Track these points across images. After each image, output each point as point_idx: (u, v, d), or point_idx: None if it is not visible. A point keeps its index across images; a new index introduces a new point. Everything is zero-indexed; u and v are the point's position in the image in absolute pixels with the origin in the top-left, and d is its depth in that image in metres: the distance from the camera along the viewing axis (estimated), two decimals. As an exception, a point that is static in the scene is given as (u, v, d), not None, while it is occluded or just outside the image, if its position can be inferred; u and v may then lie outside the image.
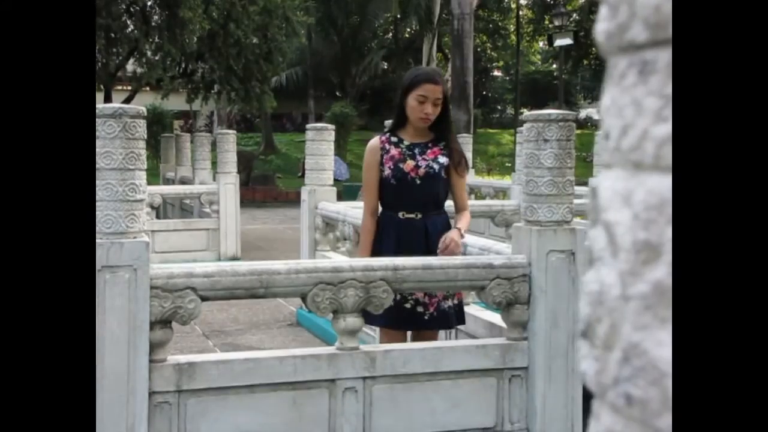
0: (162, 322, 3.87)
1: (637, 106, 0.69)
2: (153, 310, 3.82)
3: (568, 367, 4.37)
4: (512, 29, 41.23)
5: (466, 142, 10.76)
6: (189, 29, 15.08)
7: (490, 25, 43.73)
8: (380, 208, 4.55)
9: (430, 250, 4.35)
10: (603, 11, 0.73)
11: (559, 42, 27.93)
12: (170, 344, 4.05)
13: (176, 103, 22.79)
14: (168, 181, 16.03)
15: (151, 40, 16.07)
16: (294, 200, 17.53)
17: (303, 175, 8.72)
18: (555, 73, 40.80)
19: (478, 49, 38.67)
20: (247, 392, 4.02)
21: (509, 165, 25.54)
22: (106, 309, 3.73)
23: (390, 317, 4.29)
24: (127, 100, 16.72)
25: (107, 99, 16.47)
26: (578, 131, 4.98)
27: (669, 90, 0.67)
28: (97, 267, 3.72)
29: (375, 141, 4.60)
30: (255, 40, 16.46)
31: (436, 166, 4.43)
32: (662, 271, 0.66)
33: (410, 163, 4.43)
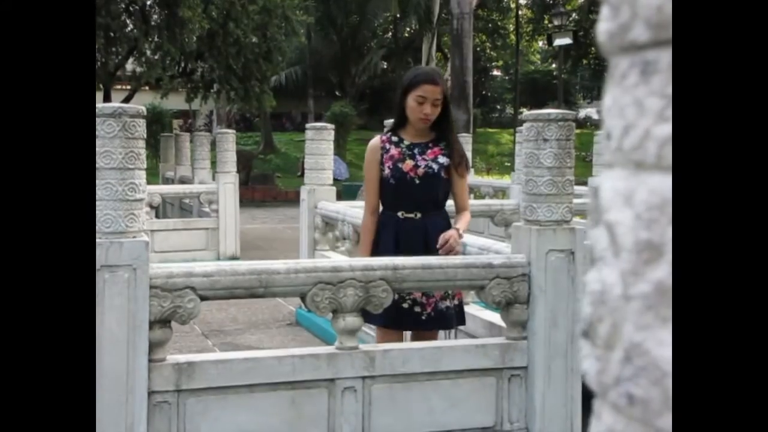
0: (161, 322, 3.87)
1: (638, 106, 0.69)
2: (152, 309, 3.82)
3: (568, 366, 4.37)
4: (511, 29, 41.25)
5: (465, 142, 10.74)
6: (188, 28, 15.07)
7: (490, 25, 43.72)
8: (381, 208, 4.55)
9: (429, 249, 4.34)
10: (604, 11, 0.73)
11: (559, 41, 27.95)
12: (169, 344, 4.05)
13: (175, 102, 22.77)
14: (167, 181, 16.03)
15: (150, 39, 16.06)
16: (293, 200, 17.54)
17: (302, 175, 8.72)
18: (554, 73, 40.81)
19: (478, 49, 38.66)
20: (246, 392, 4.02)
21: (508, 164, 25.57)
22: (105, 308, 3.73)
23: (387, 317, 4.28)
24: (127, 100, 16.71)
25: (106, 98, 16.47)
26: (577, 131, 4.99)
27: (671, 90, 0.67)
28: (97, 266, 3.72)
29: (375, 140, 4.59)
30: (254, 40, 16.45)
31: (435, 166, 4.42)
32: (664, 271, 0.66)
33: (409, 162, 4.42)
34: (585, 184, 10.95)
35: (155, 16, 16.84)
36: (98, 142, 3.80)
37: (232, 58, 16.02)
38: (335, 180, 8.58)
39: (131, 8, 16.59)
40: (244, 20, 15.70)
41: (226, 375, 3.98)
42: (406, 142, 4.47)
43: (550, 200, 4.34)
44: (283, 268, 4.04)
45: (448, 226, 4.46)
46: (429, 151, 4.45)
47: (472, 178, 13.07)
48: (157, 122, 23.73)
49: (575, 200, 4.62)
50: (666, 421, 0.65)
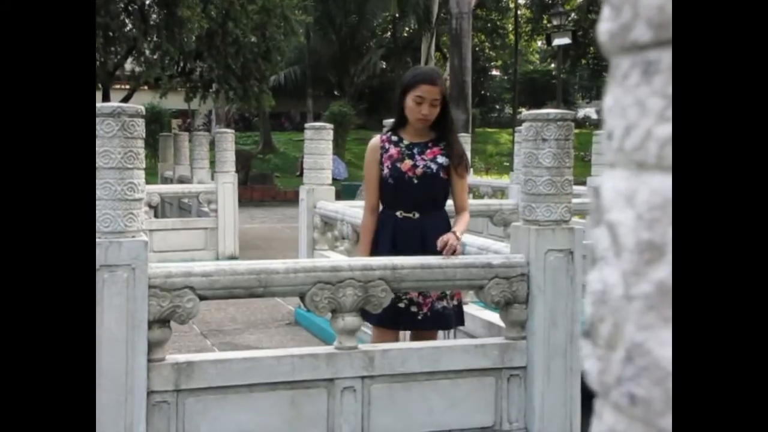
0: (160, 322, 3.87)
1: (640, 107, 0.69)
2: (151, 309, 3.82)
3: (567, 366, 4.37)
4: (510, 29, 41.26)
5: (464, 142, 10.72)
6: (187, 28, 15.07)
7: (489, 25, 43.72)
8: (381, 207, 4.54)
9: (427, 250, 4.33)
10: (606, 11, 0.72)
11: (558, 41, 27.94)
12: (168, 343, 4.05)
13: (174, 102, 22.76)
14: (166, 180, 16.02)
15: (149, 38, 16.05)
16: (292, 199, 17.56)
17: (301, 174, 8.72)
18: (553, 73, 40.81)
19: (477, 49, 38.66)
20: (245, 391, 4.02)
21: (507, 164, 25.57)
22: (104, 308, 3.73)
23: (383, 316, 4.26)
24: (126, 99, 16.72)
25: (105, 98, 16.47)
26: (576, 131, 4.99)
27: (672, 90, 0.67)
28: (96, 266, 3.72)
29: (375, 140, 4.59)
30: (253, 39, 16.45)
31: (434, 166, 4.41)
32: (666, 271, 0.66)
33: (408, 162, 4.41)
34: (584, 183, 10.96)
35: (154, 16, 16.84)
36: (97, 141, 3.80)
37: (231, 57, 16.01)
38: (334, 180, 8.58)
39: (130, 8, 16.59)
40: (243, 20, 15.70)
41: (226, 375, 3.98)
42: (406, 142, 4.47)
43: (549, 200, 4.34)
44: (282, 268, 4.04)
45: (448, 227, 4.45)
46: (428, 150, 4.44)
47: (471, 177, 13.08)
48: (155, 122, 23.76)
49: (574, 200, 4.62)
50: (668, 421, 0.65)
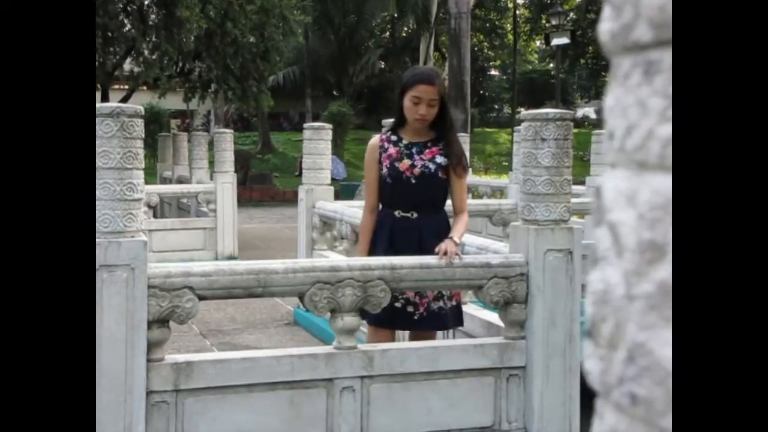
0: (159, 322, 3.87)
1: (641, 106, 0.69)
2: (150, 309, 3.82)
3: (566, 365, 4.37)
4: (509, 28, 41.25)
5: (463, 141, 10.74)
6: (186, 28, 15.06)
7: (487, 24, 43.73)
8: (380, 206, 4.54)
9: (424, 250, 4.32)
10: (607, 11, 0.72)
11: (556, 41, 27.91)
12: (168, 343, 4.05)
13: (173, 102, 22.75)
14: (165, 181, 16.02)
15: (148, 39, 16.04)
16: (291, 199, 17.56)
17: (300, 174, 8.73)
18: (552, 72, 40.80)
19: (475, 48, 38.66)
20: (244, 391, 4.02)
21: (506, 164, 25.58)
22: (103, 308, 3.73)
23: (379, 315, 4.25)
24: (124, 99, 16.70)
25: (104, 98, 16.46)
26: (575, 130, 4.99)
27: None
28: (95, 266, 3.72)
29: (375, 139, 4.59)
30: (252, 39, 16.44)
31: (432, 166, 4.40)
32: (667, 271, 0.66)
33: (406, 162, 4.41)
34: (582, 183, 10.96)
35: (153, 16, 16.83)
36: (96, 141, 3.80)
37: (229, 57, 16.01)
38: (333, 180, 8.58)
39: (129, 8, 16.58)
40: (241, 20, 15.69)
41: (225, 375, 3.98)
42: (405, 142, 4.46)
43: (548, 200, 4.34)
44: (281, 268, 4.04)
45: (447, 227, 4.45)
46: (427, 150, 4.43)
47: (470, 177, 13.08)
48: (154, 122, 23.75)
49: (573, 200, 4.62)
50: (669, 421, 0.65)
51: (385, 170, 4.43)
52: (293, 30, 17.85)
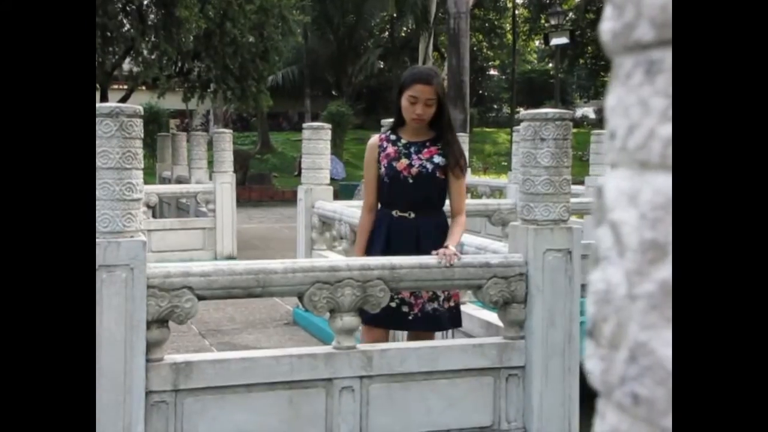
0: (159, 322, 3.87)
1: (643, 106, 0.69)
2: (150, 309, 3.82)
3: (565, 365, 4.37)
4: (508, 28, 41.26)
5: (462, 141, 10.75)
6: (185, 28, 15.06)
7: (486, 24, 43.75)
8: (379, 205, 4.53)
9: (421, 250, 4.31)
10: (608, 11, 0.72)
11: (555, 41, 27.92)
12: (167, 343, 4.05)
13: (172, 102, 22.74)
14: (164, 181, 16.01)
15: (147, 39, 16.04)
16: (290, 199, 17.55)
17: (299, 174, 8.73)
18: (551, 72, 40.81)
19: (474, 48, 38.68)
20: (244, 391, 4.01)
21: (505, 164, 25.60)
22: (103, 308, 3.72)
23: (373, 314, 4.24)
24: (124, 99, 16.70)
25: (103, 98, 16.45)
26: (574, 130, 4.99)
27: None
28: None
29: (374, 138, 4.58)
30: (251, 39, 16.44)
31: (429, 166, 4.38)
32: (669, 271, 0.66)
33: (404, 161, 4.39)
34: (582, 183, 10.96)
35: (152, 16, 16.83)
36: (95, 141, 3.80)
37: (228, 57, 16.01)
38: (332, 179, 8.58)
39: (128, 8, 16.57)
40: (240, 20, 15.69)
41: (224, 375, 3.98)
42: (403, 141, 4.45)
43: (548, 200, 4.34)
44: (280, 268, 4.03)
45: (445, 227, 4.44)
46: (425, 150, 4.41)
47: (469, 177, 13.08)
48: (153, 122, 23.75)
49: (572, 199, 4.62)
50: (671, 420, 0.65)
51: (383, 170, 4.43)
52: (292, 30, 17.85)
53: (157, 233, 10.93)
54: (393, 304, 4.30)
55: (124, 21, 16.62)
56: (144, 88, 18.97)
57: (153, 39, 16.04)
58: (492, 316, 4.84)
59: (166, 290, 3.85)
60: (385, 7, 31.62)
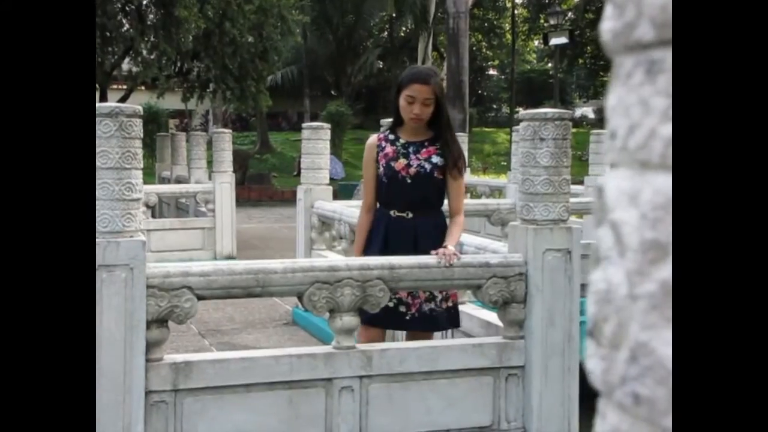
0: (158, 321, 3.87)
1: (644, 106, 0.69)
2: (149, 309, 3.82)
3: (565, 365, 4.37)
4: (507, 28, 41.26)
5: (461, 141, 10.74)
6: (184, 28, 15.06)
7: (486, 24, 43.77)
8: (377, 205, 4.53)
9: (419, 250, 4.30)
10: (609, 10, 0.72)
11: (555, 41, 27.92)
12: (166, 343, 4.04)
13: (172, 102, 22.76)
14: (164, 180, 16.02)
15: (146, 39, 16.04)
16: (289, 199, 17.56)
17: (299, 174, 8.73)
18: (550, 72, 40.82)
19: (474, 48, 38.69)
20: (243, 391, 4.01)
21: (505, 164, 25.61)
22: (102, 308, 3.72)
23: (370, 314, 4.24)
24: (123, 99, 16.71)
25: (103, 98, 16.46)
26: (573, 130, 4.99)
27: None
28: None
29: (373, 138, 4.57)
30: (250, 39, 16.45)
31: (428, 166, 4.37)
32: (670, 271, 0.66)
33: (402, 161, 4.38)
34: (581, 183, 10.97)
35: (151, 16, 16.84)
36: (95, 141, 3.79)
37: (228, 57, 16.01)
38: (331, 179, 8.58)
39: (127, 8, 16.58)
40: (240, 20, 15.70)
41: (224, 374, 3.98)
42: (402, 141, 4.44)
43: (547, 199, 4.34)
44: (280, 268, 4.03)
45: (443, 227, 4.43)
46: (423, 150, 4.40)
47: (468, 177, 13.08)
48: (153, 122, 23.75)
49: (572, 199, 4.62)
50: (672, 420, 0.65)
51: (381, 169, 4.42)
52: (291, 30, 17.85)
53: (156, 233, 10.93)
54: (391, 304, 4.29)
55: (124, 21, 16.63)
56: (143, 88, 18.99)
57: (152, 39, 16.05)
58: (491, 316, 4.84)
59: (166, 290, 3.85)
60: (384, 7, 31.63)
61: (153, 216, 12.16)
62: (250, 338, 7.39)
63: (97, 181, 3.78)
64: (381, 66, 38.12)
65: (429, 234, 4.36)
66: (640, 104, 0.70)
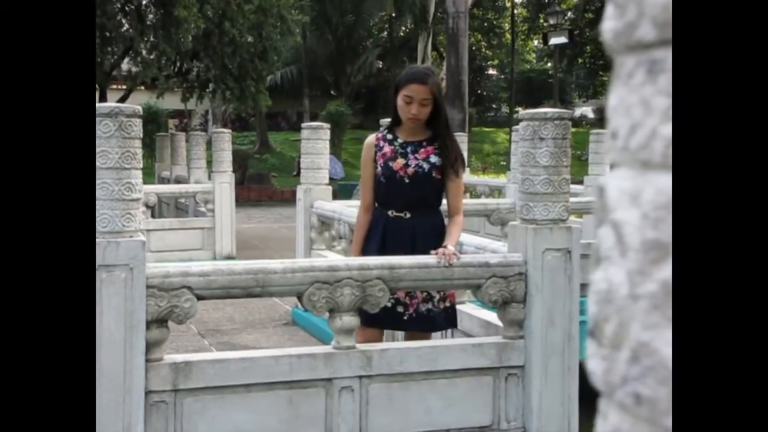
0: (158, 321, 3.87)
1: (645, 106, 0.69)
2: (149, 309, 3.82)
3: (565, 365, 4.37)
4: (507, 28, 41.26)
5: (461, 141, 10.74)
6: (184, 28, 15.06)
7: (485, 24, 43.77)
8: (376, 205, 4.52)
9: (416, 250, 4.29)
10: (610, 10, 0.72)
11: (554, 40, 27.91)
12: (166, 343, 4.04)
13: (171, 102, 22.76)
14: (163, 180, 16.02)
15: (146, 39, 16.04)
16: (289, 199, 17.56)
17: (298, 174, 8.73)
18: (550, 72, 40.83)
19: (473, 48, 38.69)
20: (243, 391, 4.01)
21: (504, 163, 25.61)
22: (102, 308, 3.72)
23: (368, 314, 4.24)
24: (122, 99, 16.71)
25: (102, 98, 16.46)
26: (573, 130, 4.99)
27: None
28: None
29: (371, 138, 4.57)
30: (250, 39, 16.45)
31: (426, 166, 4.36)
32: (670, 271, 0.66)
33: (400, 161, 4.38)
34: (581, 182, 10.97)
35: (151, 16, 16.84)
36: (95, 141, 3.79)
37: (227, 57, 16.01)
38: (331, 179, 8.58)
39: (127, 8, 16.58)
40: (239, 20, 15.70)
41: (223, 374, 3.98)
42: (400, 141, 4.43)
43: (547, 199, 4.34)
44: (279, 268, 4.03)
45: (442, 227, 4.43)
46: (422, 150, 4.39)
47: (468, 177, 13.08)
48: (152, 122, 23.76)
49: (571, 199, 4.62)
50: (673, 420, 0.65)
51: (379, 169, 4.42)
52: (291, 30, 17.85)
53: (156, 233, 10.93)
54: (389, 304, 4.29)
55: (123, 21, 16.63)
56: (143, 88, 18.98)
57: (152, 39, 16.05)
58: (491, 316, 4.84)
59: (166, 290, 3.85)
60: (384, 6, 31.64)
61: (152, 216, 12.16)
62: (250, 338, 7.39)
63: (97, 181, 3.77)
64: (380, 66, 38.13)
65: (427, 234, 4.36)
66: (641, 104, 0.69)
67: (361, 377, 4.18)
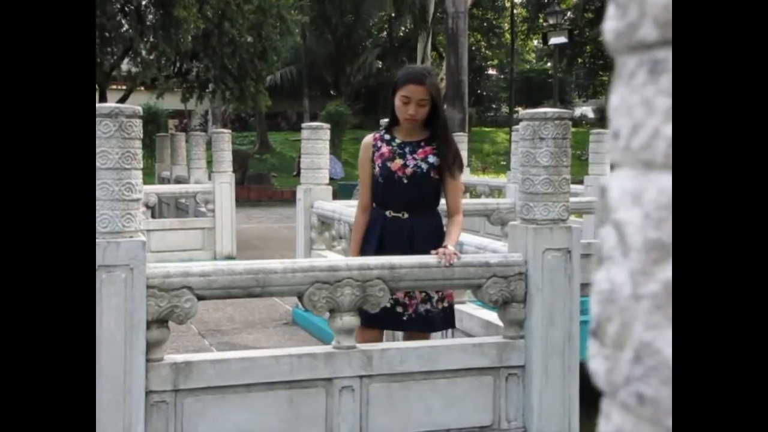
0: (158, 322, 3.87)
1: (647, 106, 0.69)
2: (149, 309, 3.82)
3: (565, 365, 4.37)
4: (507, 28, 41.22)
5: (461, 141, 10.75)
6: (183, 28, 15.06)
7: (485, 24, 43.77)
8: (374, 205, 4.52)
9: (414, 251, 4.29)
10: (611, 10, 0.72)
11: (554, 40, 27.92)
12: (167, 343, 4.04)
13: (171, 102, 22.78)
14: (163, 181, 16.02)
15: (145, 39, 16.04)
16: (289, 199, 17.56)
17: (298, 174, 8.73)
18: (550, 72, 40.82)
19: (473, 48, 38.68)
20: (243, 391, 4.01)
21: (504, 163, 25.61)
22: (103, 308, 3.72)
23: (368, 315, 4.23)
24: (122, 100, 16.70)
25: (102, 98, 16.45)
26: (573, 129, 4.99)
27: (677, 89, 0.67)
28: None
29: (368, 138, 4.57)
30: (249, 39, 16.45)
31: (424, 166, 4.36)
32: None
33: (398, 162, 4.38)
34: (581, 182, 10.97)
35: (150, 16, 16.83)
36: (95, 142, 3.79)
37: (227, 57, 16.02)
38: (331, 179, 8.58)
39: (126, 8, 16.58)
40: (239, 20, 15.70)
41: (224, 375, 3.98)
42: (398, 141, 4.43)
43: (547, 199, 4.34)
44: (279, 268, 4.03)
45: (440, 228, 4.43)
46: (420, 150, 4.39)
47: (467, 177, 13.08)
48: (152, 122, 23.76)
49: (572, 199, 4.62)
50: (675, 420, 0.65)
51: (377, 169, 4.41)
52: (291, 30, 17.85)
53: (156, 233, 10.93)
54: (388, 305, 4.29)
55: (123, 21, 16.63)
56: (143, 88, 18.99)
57: (151, 39, 16.05)
58: (492, 316, 4.84)
59: (166, 290, 3.85)
60: (384, 6, 31.64)
61: (153, 216, 12.16)
62: (250, 338, 7.39)
63: (97, 182, 3.77)
64: (380, 66, 38.12)
65: (425, 234, 4.36)
66: (643, 104, 0.69)
67: (361, 377, 4.18)
